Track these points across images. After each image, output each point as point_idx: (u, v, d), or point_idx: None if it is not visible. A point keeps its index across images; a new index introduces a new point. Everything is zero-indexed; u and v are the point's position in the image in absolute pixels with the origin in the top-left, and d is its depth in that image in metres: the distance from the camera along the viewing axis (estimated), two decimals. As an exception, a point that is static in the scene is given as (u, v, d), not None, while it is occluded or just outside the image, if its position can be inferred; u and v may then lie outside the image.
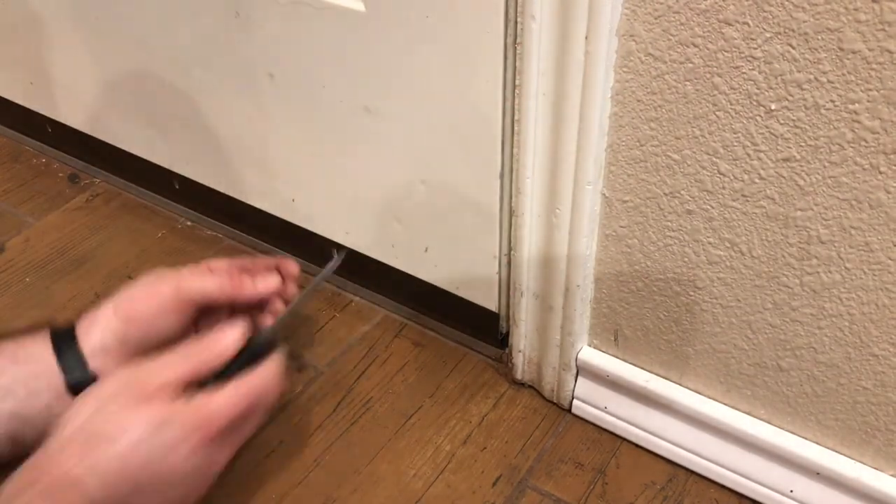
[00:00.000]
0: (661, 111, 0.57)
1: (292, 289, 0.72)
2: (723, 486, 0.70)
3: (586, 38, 0.55)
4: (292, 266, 0.73)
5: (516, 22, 0.59)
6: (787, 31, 0.49)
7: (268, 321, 0.71)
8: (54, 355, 0.66)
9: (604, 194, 0.64)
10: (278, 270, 0.73)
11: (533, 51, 0.58)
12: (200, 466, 0.60)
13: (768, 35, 0.50)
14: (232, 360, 0.64)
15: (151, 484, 0.58)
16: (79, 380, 0.65)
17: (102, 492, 0.56)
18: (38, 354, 0.66)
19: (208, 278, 0.70)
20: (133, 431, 0.57)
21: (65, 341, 0.67)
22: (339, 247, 0.85)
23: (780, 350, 0.63)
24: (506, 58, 0.62)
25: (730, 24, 0.51)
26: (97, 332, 0.67)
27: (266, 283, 0.71)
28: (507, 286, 0.75)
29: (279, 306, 0.72)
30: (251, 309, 0.72)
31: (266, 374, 0.62)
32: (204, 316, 0.71)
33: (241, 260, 0.72)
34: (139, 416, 0.58)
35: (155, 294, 0.68)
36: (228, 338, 0.63)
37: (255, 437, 0.73)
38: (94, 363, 0.66)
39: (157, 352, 0.64)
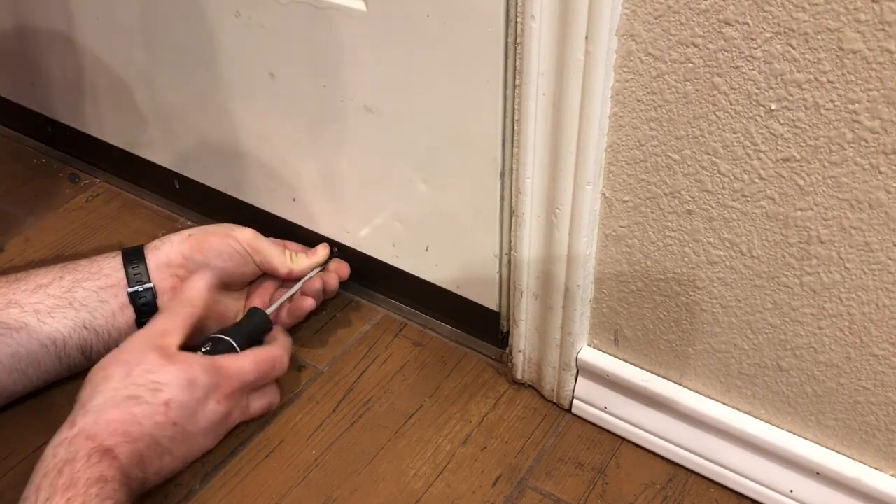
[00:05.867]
0: (661, 111, 0.57)
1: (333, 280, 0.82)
2: (723, 486, 0.70)
3: (586, 38, 0.55)
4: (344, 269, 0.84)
5: (516, 22, 0.59)
6: (787, 31, 0.49)
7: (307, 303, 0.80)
8: (122, 270, 0.75)
9: (604, 194, 0.64)
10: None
11: (533, 51, 0.58)
12: (219, 421, 0.68)
13: (768, 35, 0.50)
14: (235, 328, 0.74)
15: (178, 438, 0.64)
16: (139, 291, 0.75)
17: (132, 458, 0.61)
18: (109, 269, 0.75)
19: (279, 251, 0.80)
20: (166, 391, 0.64)
21: (133, 257, 0.76)
22: (335, 246, 0.85)
23: (780, 350, 0.63)
24: (506, 58, 0.62)
25: (730, 24, 0.51)
26: (166, 248, 0.77)
27: (317, 256, 0.82)
28: (508, 286, 0.75)
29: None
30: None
31: (278, 347, 0.73)
32: (258, 279, 0.82)
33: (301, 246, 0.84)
34: (169, 376, 0.64)
35: (231, 236, 0.78)
36: (197, 284, 0.73)
37: (253, 436, 0.74)
38: (155, 276, 0.76)
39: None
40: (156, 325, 0.69)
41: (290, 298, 0.80)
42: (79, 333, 0.73)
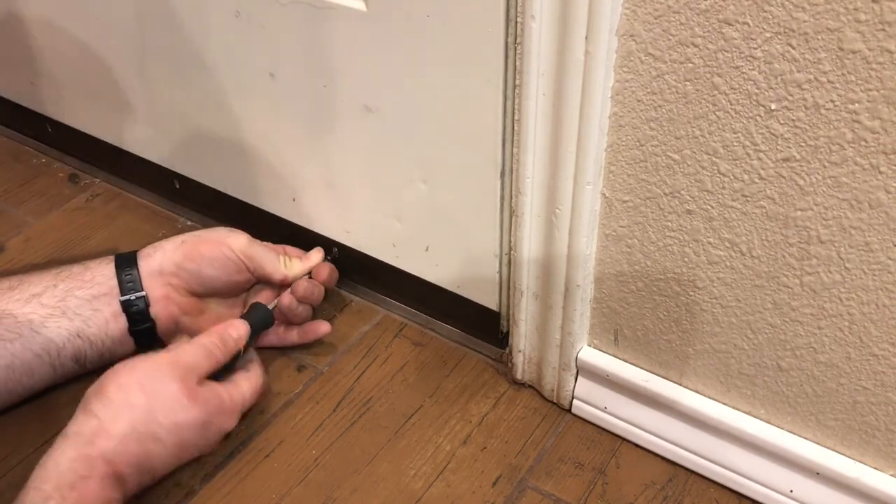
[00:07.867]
0: (661, 111, 0.57)
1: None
2: (723, 486, 0.70)
3: (586, 38, 0.55)
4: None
5: (516, 22, 0.59)
6: (787, 31, 0.49)
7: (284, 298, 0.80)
8: (115, 278, 0.74)
9: (604, 194, 0.64)
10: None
11: (533, 51, 0.58)
12: (219, 441, 0.70)
13: (768, 35, 0.50)
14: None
15: (174, 466, 0.67)
16: (131, 300, 0.74)
17: (135, 484, 0.64)
18: (102, 277, 0.74)
19: (273, 258, 0.79)
20: (183, 433, 0.66)
21: (126, 264, 0.75)
22: (335, 246, 0.85)
23: (780, 350, 0.63)
24: (506, 58, 0.62)
25: (730, 24, 0.51)
26: (158, 256, 0.76)
27: (310, 261, 0.81)
28: (508, 286, 0.75)
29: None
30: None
31: (257, 373, 0.74)
32: (256, 285, 0.81)
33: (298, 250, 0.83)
34: (189, 419, 0.66)
35: (224, 243, 0.76)
36: (240, 330, 0.72)
37: (253, 436, 0.74)
38: (147, 284, 0.75)
39: (202, 291, 0.77)
40: (183, 355, 0.68)
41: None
42: (73, 343, 0.72)
